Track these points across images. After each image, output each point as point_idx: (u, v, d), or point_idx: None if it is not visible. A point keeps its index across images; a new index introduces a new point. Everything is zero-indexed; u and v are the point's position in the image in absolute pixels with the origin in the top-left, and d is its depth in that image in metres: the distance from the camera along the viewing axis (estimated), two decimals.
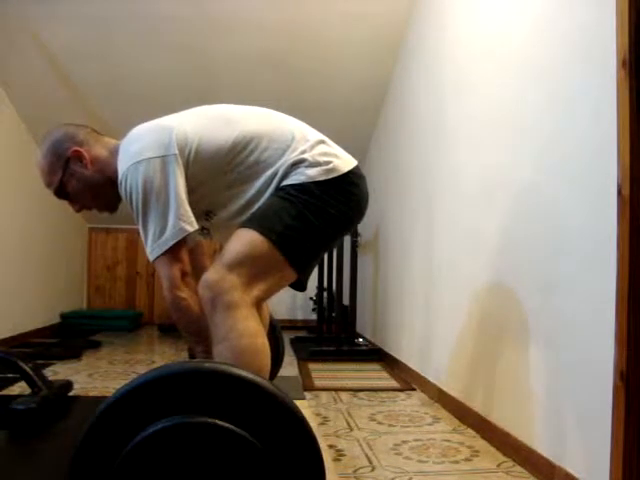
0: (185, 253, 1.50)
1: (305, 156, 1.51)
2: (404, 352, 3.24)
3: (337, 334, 3.96)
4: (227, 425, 1.01)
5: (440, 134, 2.73)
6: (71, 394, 2.41)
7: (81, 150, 1.59)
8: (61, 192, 1.63)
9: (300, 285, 1.60)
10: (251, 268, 1.43)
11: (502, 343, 2.01)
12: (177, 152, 1.48)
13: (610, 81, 1.37)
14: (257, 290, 1.43)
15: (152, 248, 1.46)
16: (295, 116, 1.67)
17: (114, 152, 1.59)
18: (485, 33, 2.26)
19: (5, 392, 2.54)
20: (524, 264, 1.86)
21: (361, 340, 4.18)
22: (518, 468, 1.74)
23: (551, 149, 1.71)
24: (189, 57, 3.59)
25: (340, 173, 1.52)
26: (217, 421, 1.01)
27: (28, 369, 2.19)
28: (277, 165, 1.50)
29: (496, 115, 2.12)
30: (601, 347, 1.38)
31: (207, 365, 1.07)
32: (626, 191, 1.31)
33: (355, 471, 1.70)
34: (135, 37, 3.45)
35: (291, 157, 1.50)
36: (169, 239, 1.45)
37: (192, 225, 1.47)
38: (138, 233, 1.50)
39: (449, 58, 2.66)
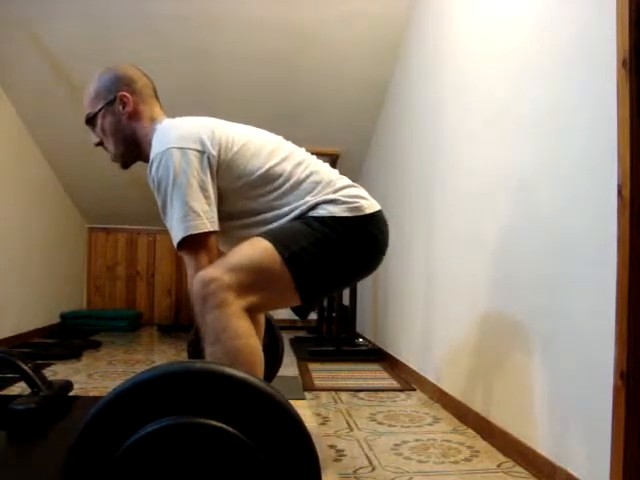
0: (213, 246, 1.49)
1: (329, 197, 1.53)
2: (404, 352, 3.24)
3: (337, 334, 3.96)
4: (221, 425, 1.01)
5: (440, 134, 2.73)
6: (71, 394, 2.41)
7: (129, 97, 1.60)
8: (91, 121, 1.64)
9: (302, 312, 1.60)
10: (253, 276, 1.43)
11: (502, 343, 2.01)
12: (215, 154, 1.50)
13: (610, 81, 1.37)
14: (253, 297, 1.42)
15: (178, 229, 1.45)
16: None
17: (154, 123, 1.60)
18: (485, 33, 2.26)
19: (5, 392, 2.54)
20: (524, 264, 1.86)
21: (361, 340, 4.18)
22: (518, 468, 1.74)
23: (551, 149, 1.71)
24: (189, 56, 3.59)
25: (364, 213, 1.54)
26: (211, 421, 1.01)
27: (28, 369, 2.19)
28: (299, 202, 1.53)
29: (496, 115, 2.12)
30: (601, 347, 1.38)
31: (201, 365, 1.06)
32: (626, 191, 1.31)
33: (355, 471, 1.70)
34: (135, 37, 3.45)
35: (314, 199, 1.53)
36: (195, 227, 1.44)
37: (214, 226, 1.48)
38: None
39: (449, 58, 2.66)
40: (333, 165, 4.37)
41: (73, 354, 3.54)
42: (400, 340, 3.35)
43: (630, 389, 1.28)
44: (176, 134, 1.50)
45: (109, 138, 1.64)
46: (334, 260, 1.51)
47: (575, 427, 1.53)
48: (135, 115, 1.61)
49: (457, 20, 2.59)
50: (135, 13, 3.30)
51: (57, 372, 3.06)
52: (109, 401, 1.02)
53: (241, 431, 1.01)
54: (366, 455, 1.84)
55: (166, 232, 1.54)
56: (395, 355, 3.40)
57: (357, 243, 1.53)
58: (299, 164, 1.58)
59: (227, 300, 1.37)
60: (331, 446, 1.92)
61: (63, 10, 3.28)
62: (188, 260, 1.47)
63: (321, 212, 1.51)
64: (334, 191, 1.55)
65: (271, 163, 1.55)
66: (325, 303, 4.59)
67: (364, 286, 4.28)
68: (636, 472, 1.28)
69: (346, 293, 4.12)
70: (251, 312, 1.44)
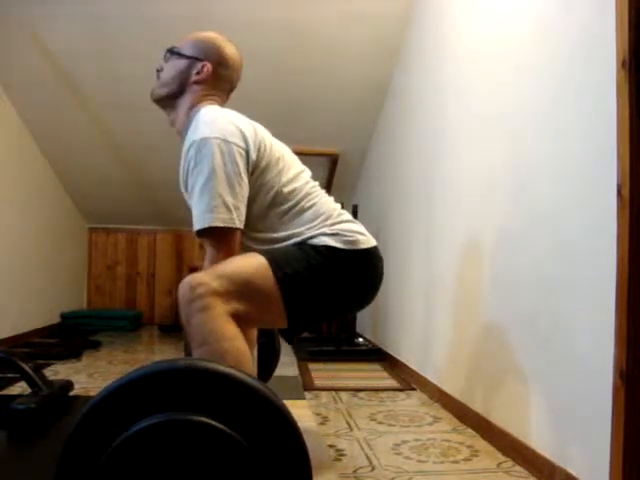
0: (236, 243, 1.50)
1: (326, 229, 1.56)
2: (404, 352, 3.24)
3: (337, 334, 3.96)
4: (211, 422, 1.01)
5: (440, 134, 2.73)
6: (71, 394, 2.41)
7: (209, 71, 1.67)
8: (170, 53, 1.71)
9: (289, 336, 1.62)
10: (242, 287, 1.43)
11: (502, 342, 2.01)
12: (254, 157, 1.53)
13: (610, 81, 1.37)
14: (239, 306, 1.42)
15: (204, 217, 1.46)
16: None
17: (204, 102, 1.65)
18: (485, 33, 2.26)
19: (5, 392, 2.54)
20: (524, 263, 1.86)
21: (361, 340, 4.17)
22: (518, 468, 1.74)
23: (551, 149, 1.71)
24: None
25: (359, 247, 1.56)
26: (200, 418, 1.01)
27: (28, 369, 2.19)
28: (297, 231, 1.56)
29: (496, 115, 2.12)
30: (601, 346, 1.38)
31: (189, 363, 1.07)
32: (626, 191, 1.31)
33: (355, 471, 1.70)
34: (135, 37, 3.45)
35: (311, 231, 1.56)
36: (221, 221, 1.45)
37: (241, 225, 1.49)
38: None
39: (449, 58, 2.66)
40: (333, 165, 4.37)
41: (73, 354, 3.54)
42: (400, 340, 3.36)
43: (630, 389, 1.28)
44: (223, 125, 1.52)
45: (167, 76, 1.69)
46: (325, 289, 1.53)
47: (575, 427, 1.53)
48: (198, 85, 1.66)
49: (457, 20, 2.59)
50: (135, 13, 3.30)
51: (57, 372, 3.06)
52: (100, 400, 1.02)
53: (230, 427, 1.01)
54: (366, 455, 1.84)
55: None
56: (395, 355, 3.40)
57: (350, 276, 1.56)
58: (307, 194, 1.62)
59: (212, 304, 1.37)
60: (331, 446, 1.92)
61: (64, 10, 3.28)
62: (208, 250, 1.49)
63: (317, 242, 1.54)
64: (332, 224, 1.58)
65: (289, 187, 1.59)
66: None
67: None
68: (636, 472, 1.28)
69: None
70: (237, 319, 1.43)
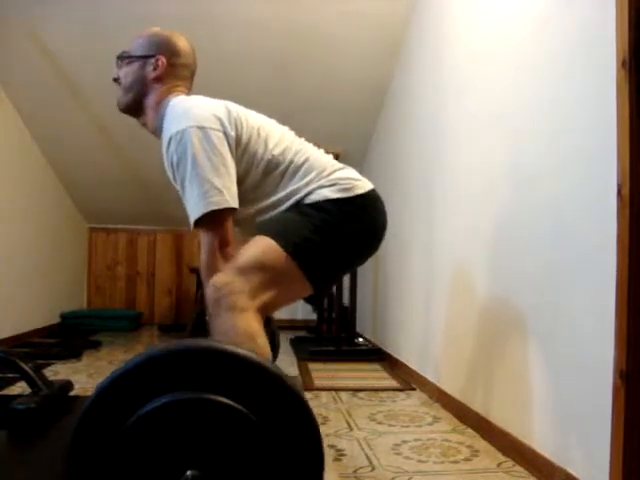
0: (230, 224, 1.50)
1: (322, 182, 1.55)
2: (404, 352, 3.24)
3: (337, 334, 3.96)
4: (225, 400, 1.03)
5: (440, 134, 2.73)
6: (71, 394, 2.40)
7: (164, 64, 1.64)
8: (121, 59, 1.68)
9: (315, 300, 1.61)
10: (263, 275, 1.44)
11: (502, 342, 2.01)
12: (233, 135, 1.52)
13: (610, 81, 1.37)
14: (265, 296, 1.43)
15: (199, 205, 1.45)
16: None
17: (169, 96, 1.63)
18: (485, 33, 2.26)
19: (5, 392, 2.54)
20: (524, 264, 1.86)
21: (361, 340, 4.18)
22: (518, 468, 1.74)
23: (551, 149, 1.71)
24: None
25: (356, 193, 1.56)
26: (215, 397, 1.03)
27: (28, 369, 2.18)
28: (294, 188, 1.56)
29: (496, 114, 2.12)
30: (601, 346, 1.38)
31: (205, 343, 1.08)
32: (626, 191, 1.31)
33: (355, 471, 1.70)
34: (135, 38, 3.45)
35: (308, 186, 1.55)
36: (217, 203, 1.45)
37: (235, 203, 1.49)
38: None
39: (449, 58, 2.66)
40: None
41: (73, 354, 3.54)
42: (400, 340, 3.36)
43: (630, 389, 1.28)
44: (195, 113, 1.52)
45: (126, 83, 1.67)
46: (336, 242, 1.52)
47: (575, 427, 1.53)
48: (156, 80, 1.64)
49: (457, 20, 2.59)
50: (135, 14, 3.30)
51: (57, 372, 3.06)
52: (115, 378, 1.05)
53: (245, 406, 1.03)
54: (366, 455, 1.84)
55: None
56: (395, 355, 3.40)
57: (354, 222, 1.55)
58: (298, 151, 1.61)
59: (238, 302, 1.39)
60: (331, 446, 1.92)
61: (64, 11, 3.28)
62: (205, 237, 1.48)
63: (315, 197, 1.53)
64: (327, 175, 1.57)
65: (277, 151, 1.57)
66: (325, 303, 4.59)
67: (364, 286, 4.28)
68: (636, 472, 1.28)
69: (346, 293, 4.12)
70: (266, 311, 1.46)
